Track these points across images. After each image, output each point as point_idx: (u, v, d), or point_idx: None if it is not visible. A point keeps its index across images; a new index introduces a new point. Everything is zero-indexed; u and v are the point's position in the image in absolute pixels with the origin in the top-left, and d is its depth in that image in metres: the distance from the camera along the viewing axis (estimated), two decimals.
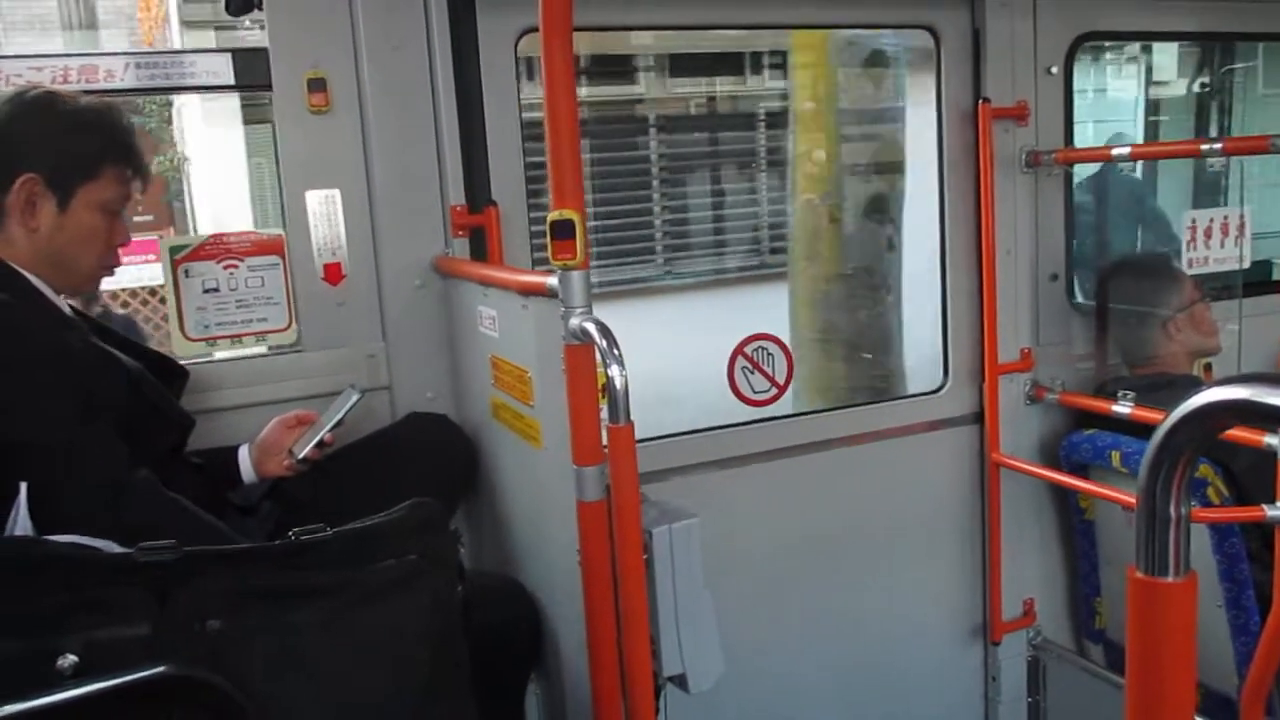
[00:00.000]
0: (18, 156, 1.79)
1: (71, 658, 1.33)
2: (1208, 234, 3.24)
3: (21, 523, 1.56)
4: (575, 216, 1.57)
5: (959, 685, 3.09)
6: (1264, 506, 2.27)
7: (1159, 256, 2.94)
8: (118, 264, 1.96)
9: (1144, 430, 2.62)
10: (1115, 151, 2.73)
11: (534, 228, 2.46)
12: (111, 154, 1.86)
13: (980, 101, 2.83)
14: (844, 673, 2.89)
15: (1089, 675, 2.98)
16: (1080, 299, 3.13)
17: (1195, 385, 0.82)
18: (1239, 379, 0.79)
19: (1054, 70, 2.93)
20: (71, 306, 1.95)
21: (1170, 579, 0.86)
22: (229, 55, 2.25)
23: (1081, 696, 3.00)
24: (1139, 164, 4.21)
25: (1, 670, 1.33)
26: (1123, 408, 2.68)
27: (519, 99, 2.45)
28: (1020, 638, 3.07)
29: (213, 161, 9.83)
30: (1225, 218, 3.23)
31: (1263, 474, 2.35)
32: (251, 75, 2.26)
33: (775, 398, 2.68)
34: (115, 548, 1.49)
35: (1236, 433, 2.29)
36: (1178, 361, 2.86)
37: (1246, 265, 3.26)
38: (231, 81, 2.27)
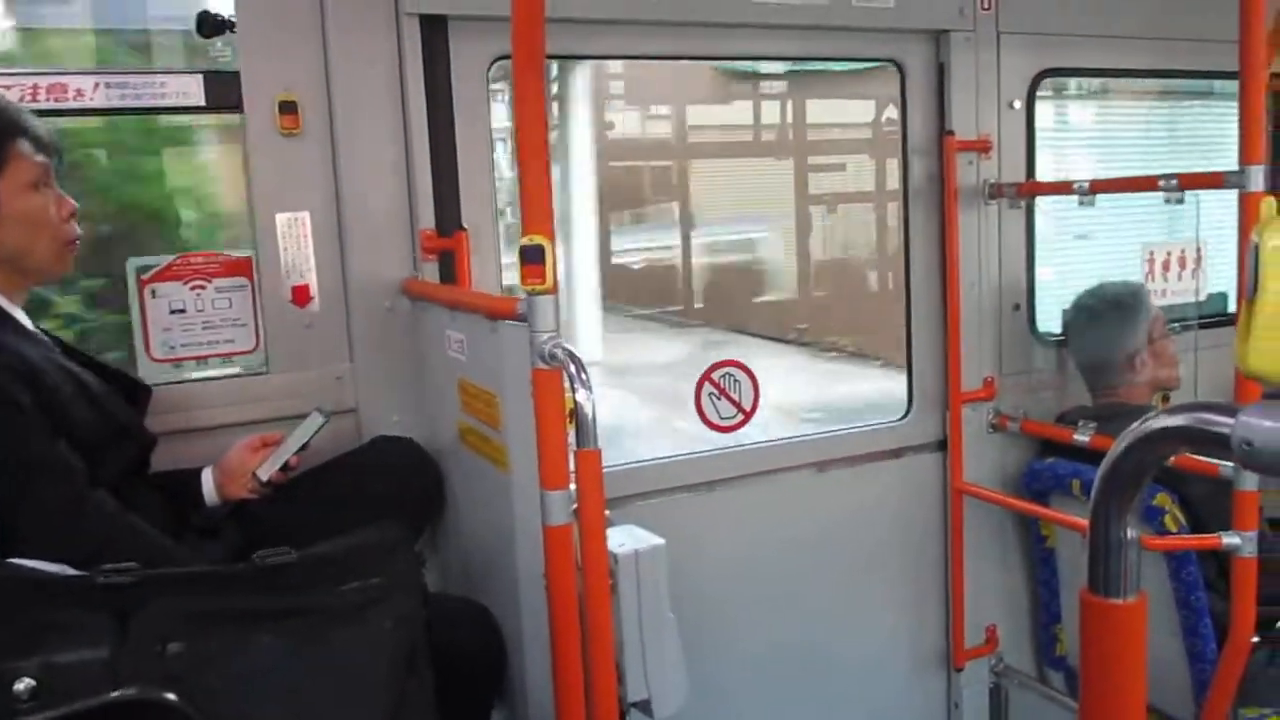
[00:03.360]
0: None
1: (29, 681, 1.31)
2: (1165, 266, 3.31)
3: None
4: (545, 242, 1.58)
5: (922, 712, 3.11)
6: (1220, 535, 2.32)
7: (1132, 287, 2.98)
8: (76, 236, 1.91)
9: (1103, 459, 2.66)
10: (1075, 184, 2.78)
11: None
12: (8, 133, 1.81)
13: (944, 134, 2.88)
14: (807, 699, 2.90)
15: (1050, 701, 3.01)
16: (1040, 329, 3.18)
17: None
18: (1184, 406, 0.82)
19: (1016, 105, 2.99)
20: (39, 326, 1.93)
21: (1120, 600, 0.88)
22: (200, 77, 2.25)
23: None
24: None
25: None
26: (1082, 436, 2.73)
27: (490, 125, 2.47)
28: (983, 665, 3.09)
29: None
30: (1183, 250, 3.31)
31: (1219, 503, 2.40)
32: (222, 97, 2.26)
33: (742, 424, 2.70)
34: (72, 571, 1.47)
35: (1193, 461, 2.33)
36: (1139, 393, 2.91)
37: (1203, 298, 3.33)
38: (202, 103, 2.27)
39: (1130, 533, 0.87)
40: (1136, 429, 0.84)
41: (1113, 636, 0.89)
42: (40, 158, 1.85)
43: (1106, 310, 2.93)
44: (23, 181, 1.82)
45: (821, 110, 8.19)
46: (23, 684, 1.31)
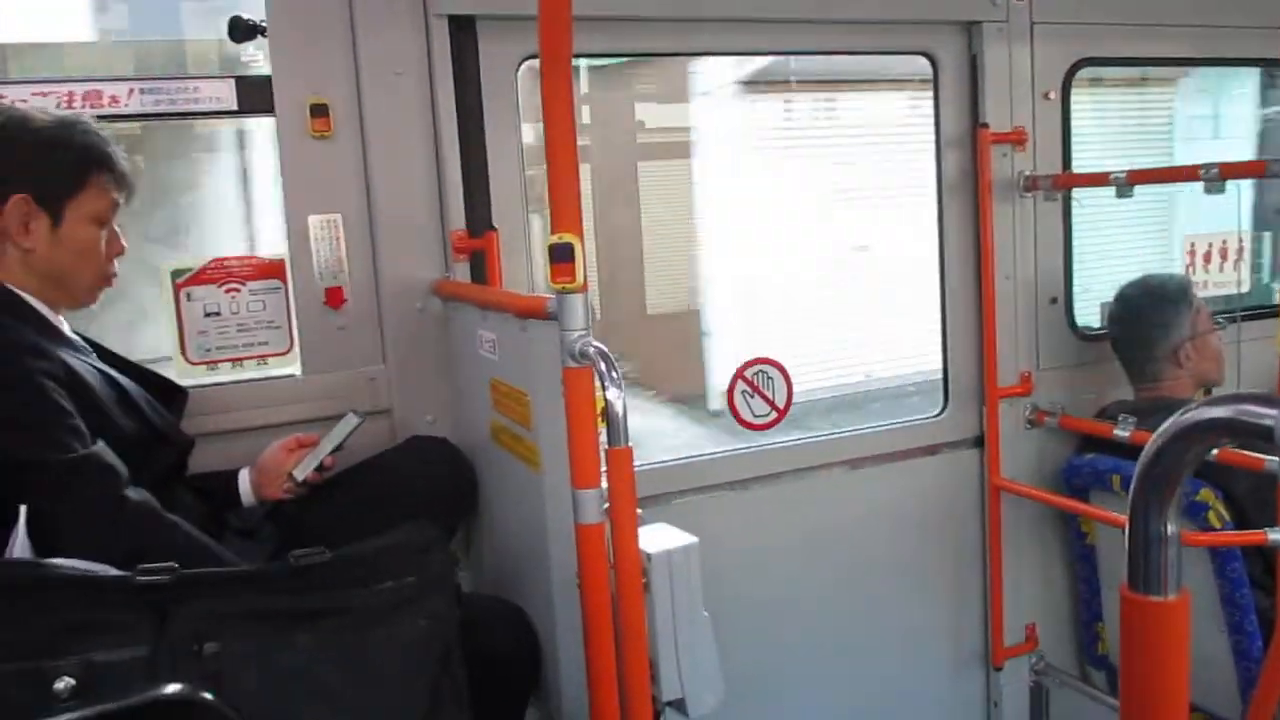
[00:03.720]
0: (4, 179, 1.79)
1: (69, 680, 1.34)
2: (1207, 258, 3.26)
3: (21, 545, 1.56)
4: (574, 240, 1.58)
5: (961, 711, 3.07)
6: (1266, 530, 2.27)
7: (1177, 279, 2.93)
8: (114, 275, 1.97)
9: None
10: (1113, 176, 2.74)
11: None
12: (94, 165, 1.86)
13: (978, 126, 2.85)
14: (844, 698, 2.88)
15: (1092, 701, 2.96)
16: (1080, 322, 3.14)
17: None
18: (1225, 398, 0.80)
19: (1051, 96, 2.95)
20: (74, 330, 1.96)
21: (1162, 597, 0.86)
22: (233, 81, 2.28)
23: None
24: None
25: None
26: (1123, 431, 2.68)
27: (520, 125, 2.47)
28: (1022, 663, 3.06)
29: None
30: (1224, 241, 3.25)
31: (1264, 498, 2.35)
32: (255, 101, 2.28)
33: (775, 421, 2.68)
34: (112, 571, 1.49)
35: (1237, 456, 2.29)
36: (1182, 387, 2.86)
37: (1245, 289, 3.27)
38: (235, 107, 2.29)
39: (1170, 528, 0.85)
40: (1176, 421, 0.82)
41: (1154, 635, 0.87)
42: (114, 195, 1.90)
43: (1150, 302, 2.89)
44: (90, 211, 1.87)
45: None
46: (63, 683, 1.33)
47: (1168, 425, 0.82)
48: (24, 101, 2.07)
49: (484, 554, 2.34)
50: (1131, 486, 0.85)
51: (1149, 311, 2.88)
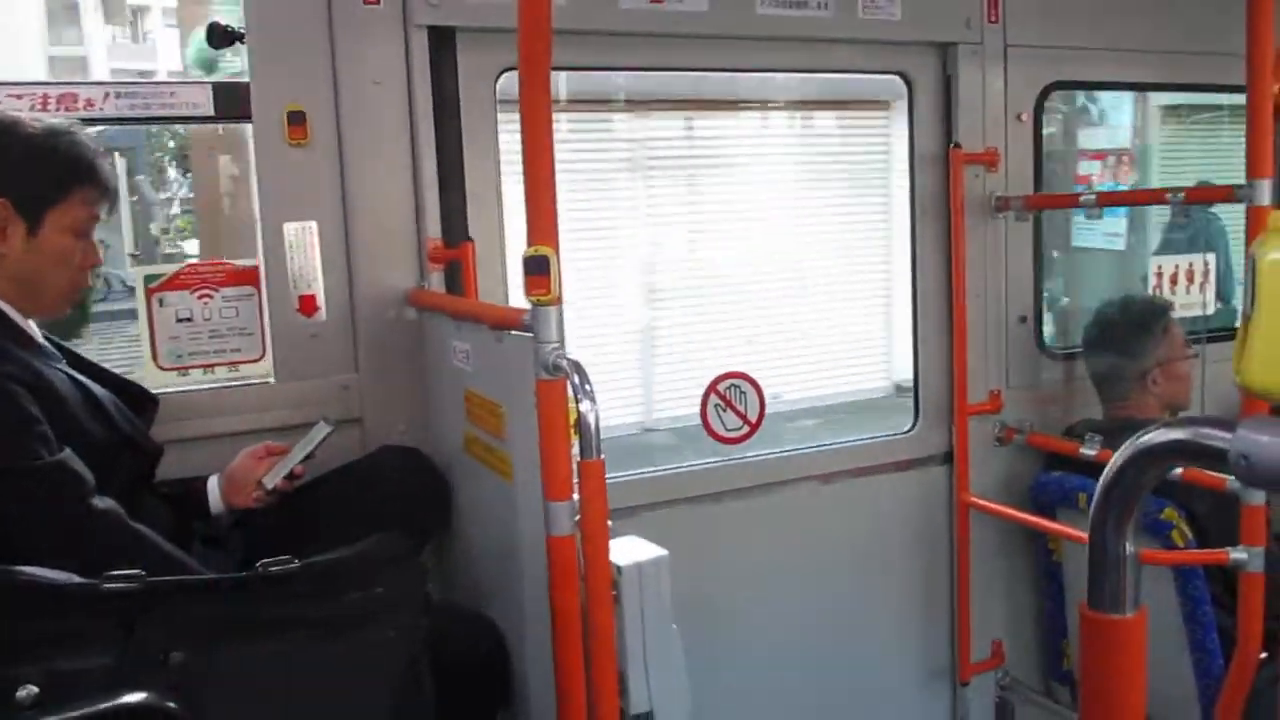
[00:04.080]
0: None
1: (32, 688, 1.32)
2: (1173, 280, 3.31)
3: None
4: (550, 253, 1.59)
5: None
6: (1227, 550, 2.30)
7: (1157, 304, 2.98)
8: (87, 286, 1.95)
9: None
10: (1083, 198, 2.79)
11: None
12: (78, 176, 1.85)
13: (951, 147, 2.89)
14: (812, 712, 2.88)
15: (1056, 716, 2.99)
16: (1049, 342, 3.18)
17: None
18: (1183, 420, 0.81)
19: (1024, 118, 2.99)
20: (45, 334, 1.94)
21: (1120, 615, 0.88)
22: (209, 87, 2.27)
23: None
24: None
25: None
26: (1090, 450, 2.72)
27: (498, 136, 2.48)
28: (988, 679, 3.08)
29: None
30: (1190, 264, 3.31)
31: (1225, 517, 2.39)
32: (231, 107, 2.28)
33: (747, 435, 2.70)
34: (78, 578, 1.48)
35: (1199, 475, 2.33)
36: (1150, 408, 2.90)
37: (1210, 311, 3.33)
38: (211, 113, 2.28)
39: (1130, 547, 0.86)
40: (1135, 443, 0.83)
41: (1112, 652, 0.89)
42: (95, 209, 1.90)
43: (1125, 323, 2.93)
44: (69, 222, 1.86)
45: None
46: (25, 691, 1.31)
47: (1127, 446, 0.84)
48: None
49: (455, 564, 2.33)
50: (1092, 506, 0.87)
51: (1124, 333, 2.92)
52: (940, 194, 2.92)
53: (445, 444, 2.30)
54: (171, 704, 1.33)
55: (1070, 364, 3.16)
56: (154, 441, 2.05)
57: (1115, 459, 0.85)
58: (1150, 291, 3.24)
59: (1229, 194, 2.34)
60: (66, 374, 1.87)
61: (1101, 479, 0.86)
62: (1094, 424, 2.92)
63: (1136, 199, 3.04)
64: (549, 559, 1.67)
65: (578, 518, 1.64)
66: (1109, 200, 2.77)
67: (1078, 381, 3.12)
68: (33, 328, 1.89)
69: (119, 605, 1.43)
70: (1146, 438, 0.83)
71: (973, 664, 3.02)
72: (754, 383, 2.70)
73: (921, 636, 3.05)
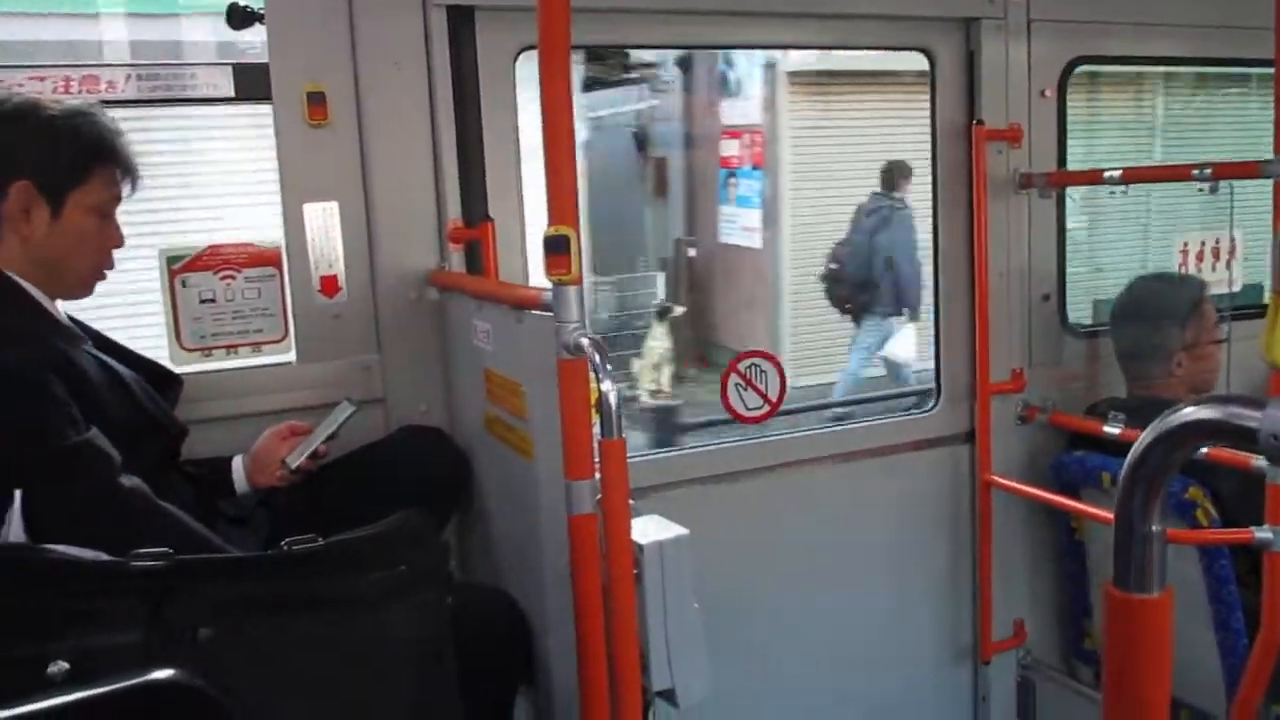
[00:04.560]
0: (8, 165, 1.79)
1: (63, 664, 1.34)
2: (1199, 257, 3.27)
3: (15, 530, 1.56)
4: (570, 232, 1.59)
5: (949, 705, 3.09)
6: (1252, 529, 2.29)
7: (1192, 284, 2.94)
8: (111, 267, 1.96)
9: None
10: (1106, 174, 2.75)
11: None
12: (99, 156, 1.86)
13: (974, 123, 2.86)
14: (832, 690, 2.89)
15: (1079, 696, 2.98)
16: (1072, 320, 3.15)
17: None
18: (1212, 399, 0.81)
19: (1048, 93, 2.96)
20: (69, 315, 1.96)
21: (1147, 595, 0.88)
22: (229, 68, 2.27)
23: (1071, 716, 3.00)
24: None
25: None
26: (1113, 428, 2.70)
27: (517, 115, 2.47)
28: (1010, 658, 3.08)
29: None
30: (1218, 241, 3.27)
31: (1251, 497, 2.36)
32: (251, 88, 2.28)
33: (768, 414, 2.69)
34: (106, 557, 1.50)
35: (1225, 454, 2.31)
36: (1176, 389, 2.87)
37: (1237, 289, 3.29)
38: (232, 94, 2.29)
39: (1156, 527, 0.86)
40: (1163, 422, 0.83)
41: (1138, 632, 0.88)
42: (117, 189, 1.90)
43: (1156, 302, 2.90)
44: (92, 202, 1.87)
45: None
46: (56, 667, 1.33)
47: (1156, 425, 0.83)
48: (20, 86, 2.07)
49: (476, 543, 2.35)
50: (1119, 485, 0.87)
51: (1155, 310, 2.88)
52: (963, 171, 2.90)
53: (466, 423, 2.31)
54: (200, 680, 1.34)
55: (1094, 342, 3.13)
56: (179, 421, 2.06)
57: (1144, 437, 0.85)
58: (1177, 267, 3.20)
59: (1256, 169, 2.31)
60: (92, 354, 1.88)
61: (1129, 457, 0.86)
62: (1118, 402, 2.90)
63: (1162, 175, 3.00)
64: (570, 538, 1.67)
65: (599, 497, 1.65)
66: (1134, 176, 2.72)
67: (1101, 360, 3.10)
68: (58, 309, 1.91)
69: (146, 583, 1.44)
70: (1176, 416, 0.82)
71: (994, 643, 3.02)
72: (775, 361, 2.69)
73: (943, 615, 3.05)
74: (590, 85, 8.57)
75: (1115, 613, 0.89)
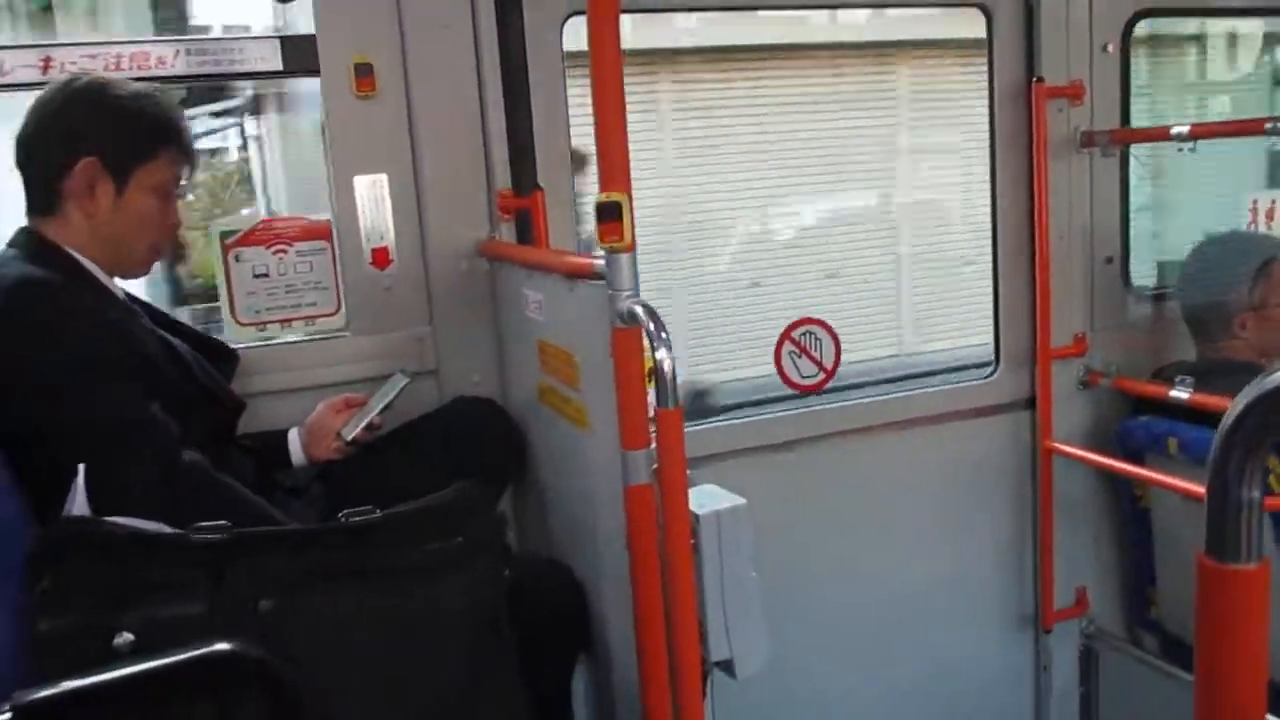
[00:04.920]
0: (75, 142, 1.81)
1: (128, 635, 1.36)
2: (1269, 215, 3.16)
3: (79, 503, 1.58)
4: (623, 199, 1.56)
5: (1009, 674, 3.06)
6: None
7: (1265, 243, 2.84)
8: (169, 248, 1.99)
9: (1202, 417, 2.55)
10: (1174, 130, 2.66)
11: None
12: (164, 137, 1.89)
13: (1034, 81, 2.77)
14: (892, 660, 2.87)
15: (1142, 665, 2.93)
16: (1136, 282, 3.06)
17: (1257, 374, 0.80)
18: None
19: (1110, 48, 2.86)
20: (125, 291, 1.98)
21: (1242, 565, 0.84)
22: (277, 41, 2.27)
23: (1134, 686, 2.95)
24: None
25: (61, 647, 1.36)
26: (1181, 393, 2.62)
27: (565, 82, 2.44)
28: (1072, 626, 3.03)
29: None
30: None
31: None
32: (299, 61, 2.27)
33: (823, 383, 2.66)
34: (168, 529, 1.51)
35: None
36: (1245, 351, 2.79)
37: None
38: (280, 67, 2.28)
39: (1254, 494, 0.82)
40: (1264, 383, 0.78)
41: (1232, 605, 0.84)
42: (178, 169, 1.93)
43: (1226, 262, 2.80)
44: (153, 183, 1.89)
45: None
46: (122, 638, 1.35)
47: (1254, 386, 0.79)
48: (73, 64, 2.08)
49: (531, 514, 2.35)
50: (1212, 451, 0.83)
51: (1225, 270, 2.79)
52: (1022, 130, 2.81)
53: (520, 394, 2.30)
54: (262, 651, 1.35)
55: (1160, 305, 3.05)
56: (235, 395, 2.08)
57: (1240, 398, 0.80)
58: (1246, 226, 3.09)
59: None
60: (149, 328, 1.90)
61: (1224, 420, 0.82)
62: (1185, 366, 2.82)
63: (1230, 129, 2.90)
64: (626, 508, 1.66)
65: (655, 466, 1.63)
66: (1202, 132, 2.63)
67: (1167, 323, 3.01)
68: (116, 285, 1.93)
69: (208, 555, 1.46)
70: (1277, 376, 0.78)
71: (1056, 611, 2.97)
72: (830, 329, 2.65)
73: (1004, 584, 3.00)
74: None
75: (1208, 585, 0.85)
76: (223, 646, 1.31)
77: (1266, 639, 0.85)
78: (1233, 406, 0.81)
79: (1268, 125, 2.45)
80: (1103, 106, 2.86)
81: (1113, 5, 2.85)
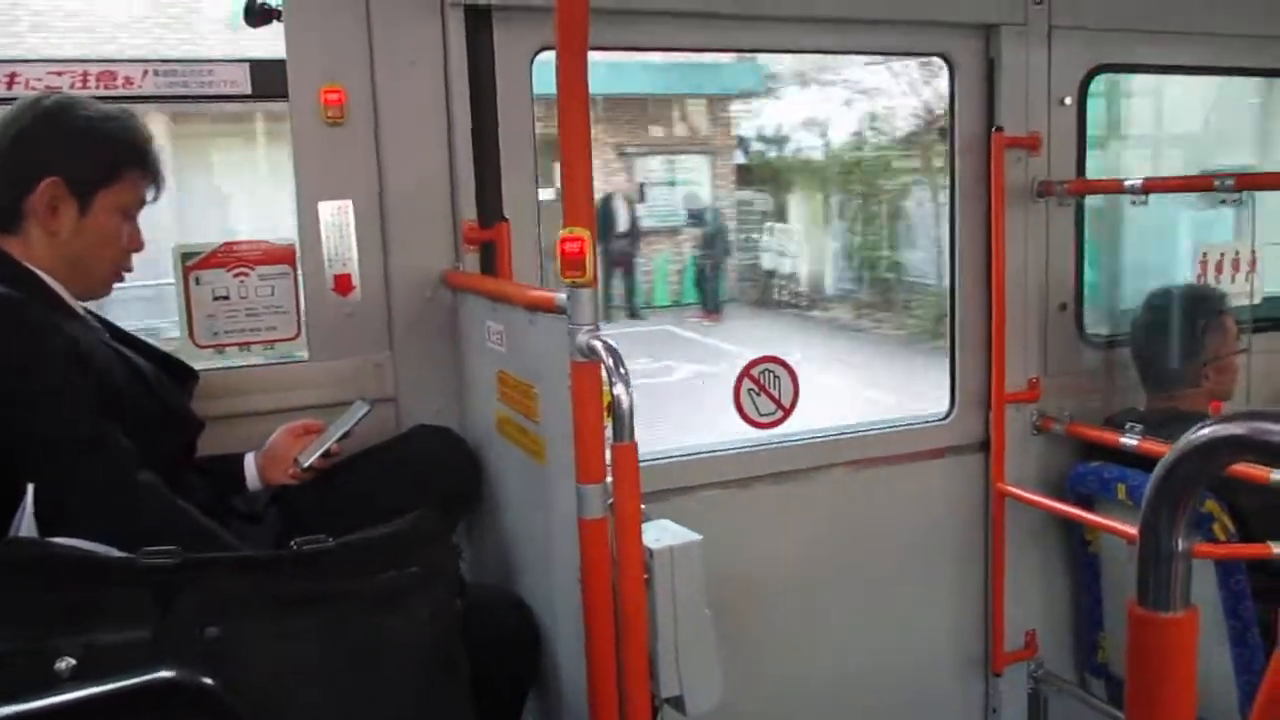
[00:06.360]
0: (40, 161, 1.81)
1: (70, 660, 1.33)
2: (1219, 268, 3.24)
3: (27, 524, 1.56)
4: (585, 234, 1.58)
5: (960, 716, 3.07)
6: (1271, 544, 2.26)
7: (1214, 296, 2.92)
8: (129, 269, 1.98)
9: (1151, 463, 2.59)
10: (1128, 183, 2.73)
11: None
12: (130, 159, 1.89)
13: (993, 130, 2.84)
14: (843, 700, 2.87)
15: (1090, 709, 2.96)
16: (1089, 330, 3.12)
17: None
18: (1241, 415, 0.79)
19: (1067, 101, 2.93)
20: (85, 307, 1.96)
21: (1171, 614, 0.86)
22: (247, 65, 2.27)
23: None
24: None
25: None
26: (1130, 440, 2.67)
27: (534, 116, 2.46)
28: (1021, 669, 3.05)
29: None
30: (1237, 252, 3.23)
31: (1269, 511, 2.34)
32: (268, 86, 2.28)
33: (780, 420, 2.68)
34: (116, 552, 1.49)
35: (1243, 469, 2.28)
36: (1197, 402, 2.85)
37: (1257, 301, 3.25)
38: (249, 91, 2.29)
39: (1182, 544, 0.84)
40: (1192, 437, 0.81)
41: (1161, 651, 0.86)
42: (143, 192, 1.93)
43: (1178, 314, 2.87)
44: (119, 203, 1.89)
45: None
46: (64, 663, 1.33)
47: (1183, 441, 0.82)
48: (39, 81, 2.08)
49: (486, 545, 2.34)
50: (1144, 501, 0.85)
51: (1176, 323, 2.86)
52: (981, 178, 2.88)
53: (478, 424, 2.30)
54: (206, 679, 1.33)
55: (1111, 353, 3.11)
56: (195, 416, 2.06)
57: (1171, 452, 0.83)
58: (1195, 278, 3.17)
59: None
60: (111, 347, 1.88)
61: (1155, 473, 0.84)
62: (1135, 414, 2.88)
63: (1184, 186, 2.98)
64: (581, 541, 1.66)
65: (610, 501, 1.64)
66: (1155, 186, 2.70)
67: (1118, 370, 3.07)
68: (75, 300, 1.91)
69: (156, 579, 1.44)
70: (1205, 431, 0.80)
71: (1006, 654, 2.99)
72: (787, 367, 2.68)
73: (955, 626, 3.03)
74: None
75: (1138, 631, 0.87)
76: (166, 674, 1.29)
77: (1194, 683, 0.87)
78: (1163, 461, 0.83)
79: (1216, 182, 2.52)
80: (1059, 157, 2.93)
81: (1070, 60, 2.93)
